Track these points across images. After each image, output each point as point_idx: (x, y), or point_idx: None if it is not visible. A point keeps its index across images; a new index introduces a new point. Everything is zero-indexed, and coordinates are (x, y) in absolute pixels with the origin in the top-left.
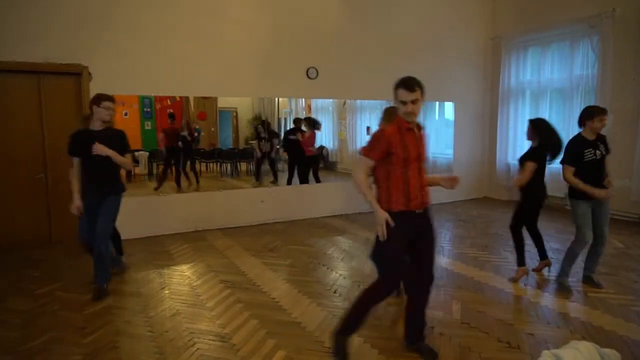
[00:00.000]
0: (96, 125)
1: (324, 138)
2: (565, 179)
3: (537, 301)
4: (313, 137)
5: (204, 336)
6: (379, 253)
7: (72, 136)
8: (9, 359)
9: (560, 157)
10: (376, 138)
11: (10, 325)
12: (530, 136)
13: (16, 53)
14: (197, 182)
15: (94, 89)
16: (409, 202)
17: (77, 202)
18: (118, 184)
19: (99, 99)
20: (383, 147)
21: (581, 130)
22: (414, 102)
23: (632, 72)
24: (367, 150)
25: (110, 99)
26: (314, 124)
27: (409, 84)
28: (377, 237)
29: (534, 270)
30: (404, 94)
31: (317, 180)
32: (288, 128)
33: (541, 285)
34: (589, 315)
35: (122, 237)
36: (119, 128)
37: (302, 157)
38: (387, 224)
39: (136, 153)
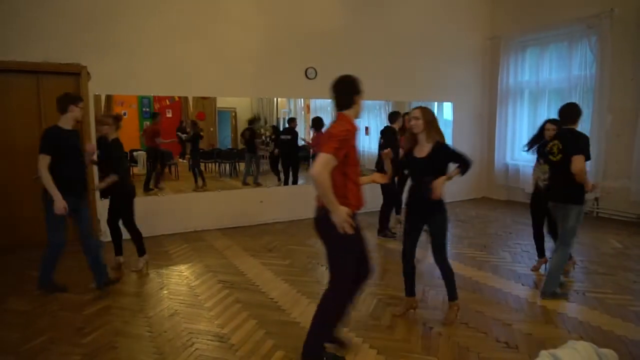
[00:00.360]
0: (69, 125)
1: None
2: (580, 170)
3: (535, 301)
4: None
5: (203, 336)
6: (341, 254)
7: (50, 134)
8: (10, 359)
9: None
10: (345, 137)
11: (11, 326)
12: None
13: (15, 53)
14: (195, 182)
15: (93, 89)
16: (359, 203)
17: (63, 202)
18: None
19: (76, 98)
20: (349, 147)
21: (572, 127)
22: None
23: (630, 72)
24: (335, 149)
25: (82, 99)
26: (320, 125)
27: None
28: (336, 241)
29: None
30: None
31: None
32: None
33: (539, 285)
34: (587, 315)
35: (122, 237)
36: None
37: (296, 157)
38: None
39: (135, 153)
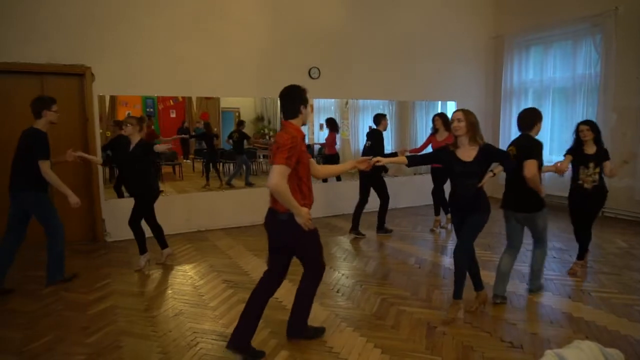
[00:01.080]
0: (45, 128)
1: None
2: (533, 175)
3: (540, 300)
4: (333, 137)
5: (207, 336)
6: (312, 246)
7: (44, 139)
8: (14, 359)
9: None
10: (292, 145)
11: (15, 326)
12: (589, 137)
13: (19, 54)
14: (221, 179)
15: (97, 90)
16: (312, 201)
17: (76, 197)
18: None
19: (49, 103)
20: (298, 153)
21: (526, 132)
22: None
23: (635, 71)
24: (285, 160)
25: (55, 100)
26: (335, 126)
27: None
28: (306, 237)
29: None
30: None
31: (324, 180)
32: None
33: (544, 284)
34: (592, 314)
35: (125, 238)
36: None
37: None
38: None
39: None
